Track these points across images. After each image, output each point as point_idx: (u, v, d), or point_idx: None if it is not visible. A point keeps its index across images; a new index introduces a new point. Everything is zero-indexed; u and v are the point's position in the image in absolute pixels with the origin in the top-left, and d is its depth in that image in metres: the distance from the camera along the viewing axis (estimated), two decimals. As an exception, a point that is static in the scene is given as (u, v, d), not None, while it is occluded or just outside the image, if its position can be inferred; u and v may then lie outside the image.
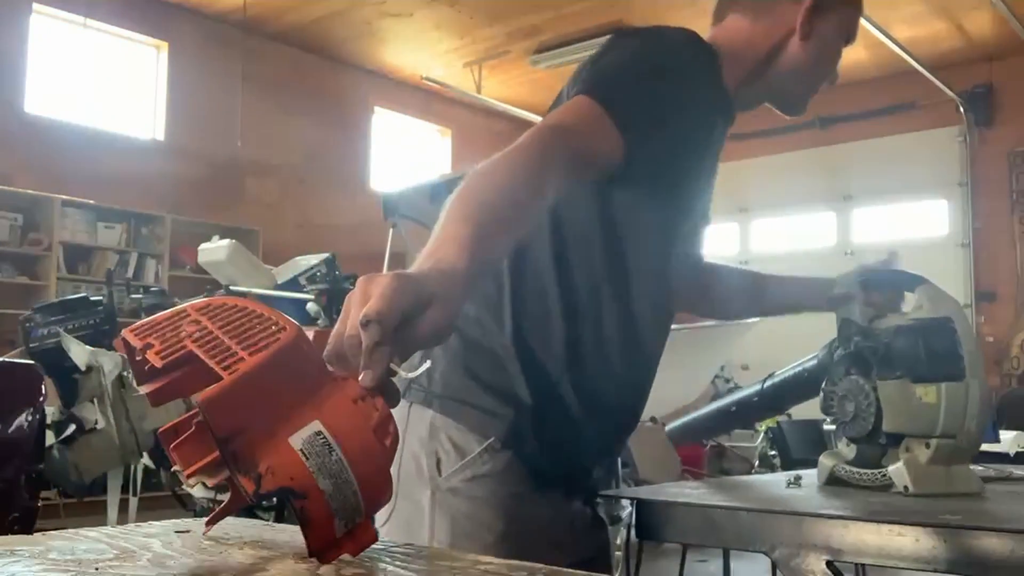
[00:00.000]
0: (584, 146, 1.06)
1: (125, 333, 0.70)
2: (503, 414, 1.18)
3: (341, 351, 0.71)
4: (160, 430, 0.71)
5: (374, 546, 0.78)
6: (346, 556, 0.72)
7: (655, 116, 1.10)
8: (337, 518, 0.66)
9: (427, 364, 0.72)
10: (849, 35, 1.36)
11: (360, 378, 0.69)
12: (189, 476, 0.68)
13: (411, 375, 0.73)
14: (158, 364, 0.66)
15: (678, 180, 1.21)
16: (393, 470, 0.70)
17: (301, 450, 0.64)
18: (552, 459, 1.20)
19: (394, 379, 0.71)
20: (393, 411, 0.71)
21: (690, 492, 1.52)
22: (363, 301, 0.70)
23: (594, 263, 1.21)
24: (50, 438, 3.45)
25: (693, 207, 1.30)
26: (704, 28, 1.30)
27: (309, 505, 0.64)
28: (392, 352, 0.70)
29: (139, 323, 0.71)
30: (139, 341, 0.68)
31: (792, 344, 2.98)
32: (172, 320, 0.70)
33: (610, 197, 1.19)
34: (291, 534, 0.85)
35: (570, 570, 0.67)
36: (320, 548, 0.67)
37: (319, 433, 0.65)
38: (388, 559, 0.75)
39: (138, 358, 0.69)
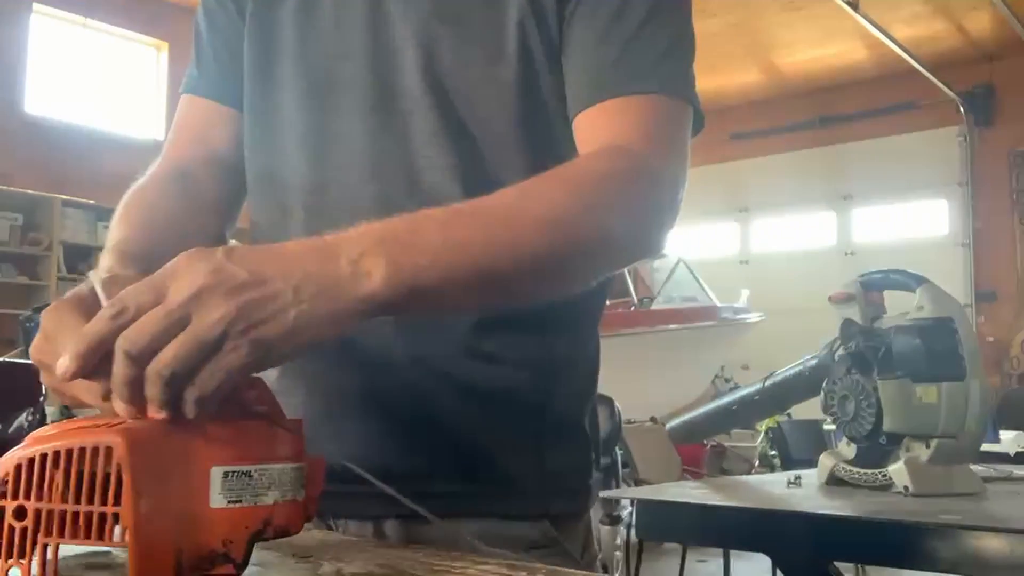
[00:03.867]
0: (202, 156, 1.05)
1: None
2: None
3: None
4: None
5: (376, 548, 0.78)
6: (346, 556, 0.73)
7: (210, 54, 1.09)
8: (300, 496, 0.64)
9: None
10: None
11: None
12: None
13: None
14: None
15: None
16: None
17: (229, 503, 0.61)
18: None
19: None
20: None
21: (690, 492, 1.52)
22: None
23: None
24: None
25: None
26: (706, 28, 1.27)
27: (276, 522, 0.62)
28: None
29: None
30: None
31: (792, 344, 2.98)
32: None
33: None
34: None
35: (570, 570, 0.67)
36: (303, 521, 0.65)
37: (226, 474, 0.61)
38: (389, 560, 0.75)
39: None
